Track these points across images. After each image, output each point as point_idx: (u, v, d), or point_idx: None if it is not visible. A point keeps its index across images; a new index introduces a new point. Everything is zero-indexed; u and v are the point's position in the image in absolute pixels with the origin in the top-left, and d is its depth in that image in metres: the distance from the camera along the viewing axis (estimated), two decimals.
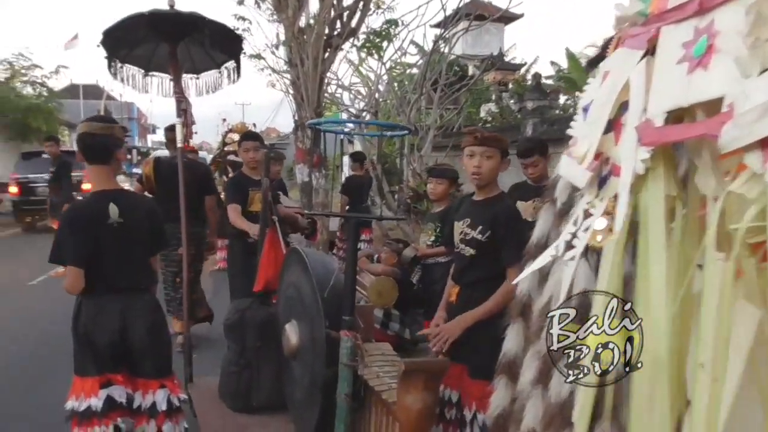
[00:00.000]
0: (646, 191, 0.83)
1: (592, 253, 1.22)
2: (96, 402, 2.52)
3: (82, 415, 2.53)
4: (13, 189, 12.86)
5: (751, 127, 0.66)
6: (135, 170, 20.20)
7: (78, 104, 32.88)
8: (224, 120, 7.12)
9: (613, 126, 0.95)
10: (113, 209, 2.59)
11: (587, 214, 0.94)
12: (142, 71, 5.58)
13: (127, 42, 5.15)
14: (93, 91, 38.14)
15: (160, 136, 68.62)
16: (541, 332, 1.41)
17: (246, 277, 4.11)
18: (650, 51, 0.94)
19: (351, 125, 8.48)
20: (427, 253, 4.31)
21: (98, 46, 4.85)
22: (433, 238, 4.28)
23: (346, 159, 11.85)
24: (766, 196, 0.64)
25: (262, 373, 3.99)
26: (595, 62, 1.36)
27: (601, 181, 0.95)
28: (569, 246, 0.95)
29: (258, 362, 3.96)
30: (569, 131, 1.05)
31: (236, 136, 8.68)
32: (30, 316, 6.63)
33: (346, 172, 10.52)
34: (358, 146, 12.13)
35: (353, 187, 8.23)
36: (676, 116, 0.83)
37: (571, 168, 1.00)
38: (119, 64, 5.31)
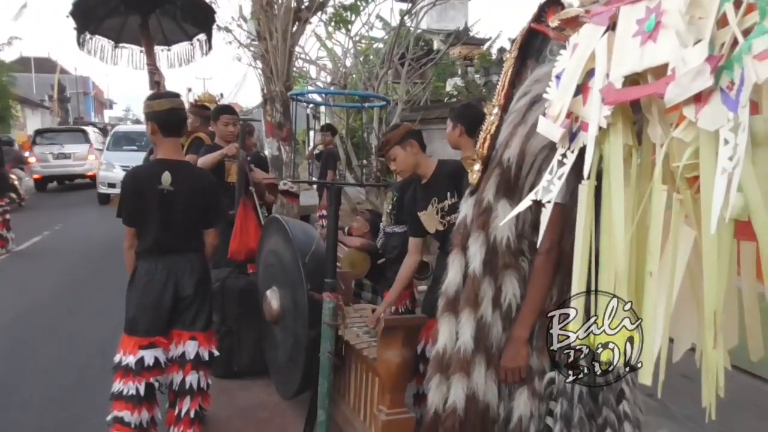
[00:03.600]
0: (609, 142, 1.03)
1: None
2: (132, 360, 2.68)
3: (125, 368, 2.70)
4: None
5: (688, 85, 0.86)
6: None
7: (29, 78, 31.62)
8: (189, 90, 6.95)
9: (581, 90, 1.14)
10: (166, 177, 2.71)
11: (561, 164, 1.13)
12: (112, 43, 5.52)
13: (97, 13, 5.07)
14: (45, 65, 36.61)
15: (117, 111, 66.18)
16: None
17: (225, 248, 4.19)
18: (611, 27, 1.13)
19: (331, 97, 8.48)
20: None
21: (67, 17, 4.78)
22: (390, 207, 4.37)
23: (311, 134, 11.86)
24: (699, 140, 0.84)
25: (243, 340, 4.11)
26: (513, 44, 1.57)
27: (572, 136, 1.15)
28: (547, 190, 1.13)
29: (239, 329, 4.08)
30: (545, 96, 1.24)
31: None
32: None
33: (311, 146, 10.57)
34: (323, 121, 12.14)
35: (331, 159, 8.38)
36: (632, 80, 1.03)
37: (547, 126, 1.18)
38: (88, 36, 5.24)
